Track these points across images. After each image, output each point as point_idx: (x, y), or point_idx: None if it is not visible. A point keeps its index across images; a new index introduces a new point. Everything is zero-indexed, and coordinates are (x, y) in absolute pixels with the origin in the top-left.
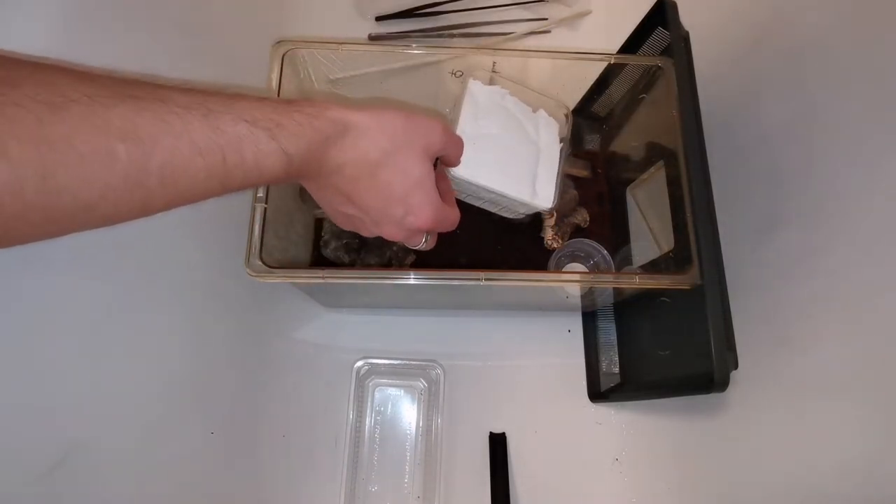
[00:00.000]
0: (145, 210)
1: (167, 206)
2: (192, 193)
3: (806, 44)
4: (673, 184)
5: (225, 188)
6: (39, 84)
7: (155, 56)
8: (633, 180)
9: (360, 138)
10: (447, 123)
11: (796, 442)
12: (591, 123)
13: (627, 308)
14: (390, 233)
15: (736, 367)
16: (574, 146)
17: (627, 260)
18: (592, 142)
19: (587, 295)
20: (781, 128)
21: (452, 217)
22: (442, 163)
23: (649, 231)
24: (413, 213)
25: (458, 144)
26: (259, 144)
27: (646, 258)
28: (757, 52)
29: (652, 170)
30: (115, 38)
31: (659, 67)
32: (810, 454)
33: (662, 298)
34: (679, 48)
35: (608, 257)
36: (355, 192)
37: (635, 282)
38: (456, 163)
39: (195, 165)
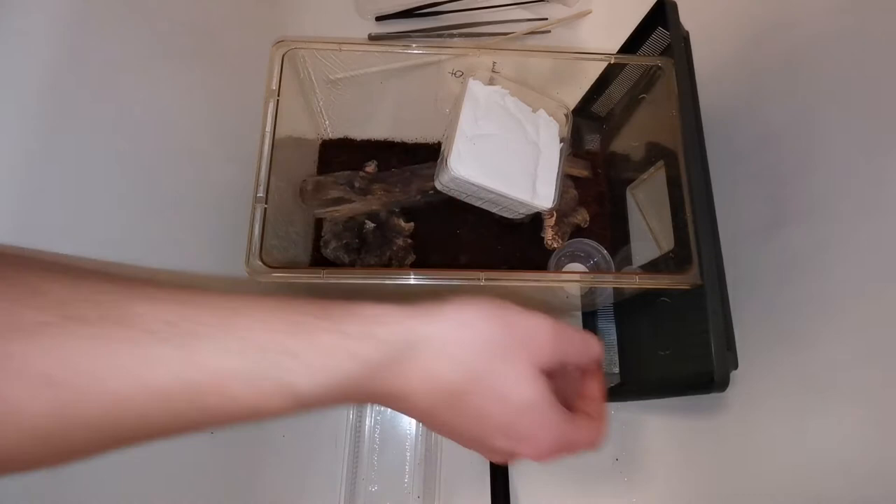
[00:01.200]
0: (68, 461)
1: (108, 449)
2: (149, 438)
3: (806, 44)
4: (673, 184)
5: (200, 430)
6: None
7: (154, 56)
8: (634, 180)
9: (430, 359)
10: (556, 321)
11: (796, 442)
12: (591, 123)
13: (627, 308)
14: (495, 459)
15: (736, 367)
16: (574, 146)
17: (627, 260)
18: (592, 142)
19: (587, 295)
20: (781, 128)
21: (587, 439)
22: (565, 367)
23: (649, 231)
24: (523, 446)
25: (579, 342)
26: (253, 384)
27: (646, 258)
28: (757, 52)
29: (652, 170)
30: (115, 38)
31: (659, 67)
32: (810, 454)
33: (662, 298)
34: (679, 48)
35: (608, 257)
36: (433, 423)
37: (635, 282)
38: (585, 362)
39: (152, 411)
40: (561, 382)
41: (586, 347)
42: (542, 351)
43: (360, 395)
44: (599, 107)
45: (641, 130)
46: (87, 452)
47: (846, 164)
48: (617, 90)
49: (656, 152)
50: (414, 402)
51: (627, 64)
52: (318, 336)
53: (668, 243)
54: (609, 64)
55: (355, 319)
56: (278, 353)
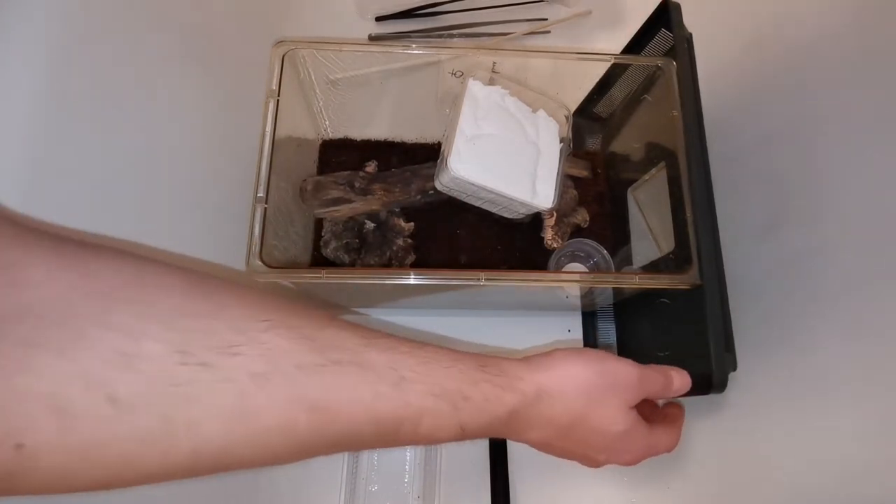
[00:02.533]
0: (305, 458)
1: (326, 453)
2: (352, 449)
3: (807, 45)
4: (674, 184)
5: (386, 446)
6: (259, 349)
7: (154, 56)
8: (634, 181)
9: (550, 406)
10: (641, 367)
11: (796, 442)
12: (591, 124)
13: (627, 309)
14: (593, 466)
15: (735, 368)
16: (574, 146)
17: (627, 260)
18: (593, 142)
19: (587, 295)
20: (782, 128)
21: (666, 443)
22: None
23: (649, 231)
24: (618, 458)
25: (661, 383)
26: (439, 419)
27: (646, 259)
28: (758, 52)
29: (653, 171)
30: (114, 39)
31: (660, 68)
32: (810, 454)
33: (662, 299)
34: (682, 49)
35: (608, 257)
36: (547, 449)
37: (635, 282)
38: (663, 396)
39: (366, 431)
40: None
41: (667, 386)
42: (630, 392)
43: (500, 431)
44: (600, 107)
45: (642, 131)
46: (316, 455)
47: (847, 164)
48: (618, 91)
49: (657, 153)
50: (536, 435)
51: (630, 65)
52: (482, 386)
53: (668, 244)
54: (611, 64)
55: (505, 375)
56: (457, 398)
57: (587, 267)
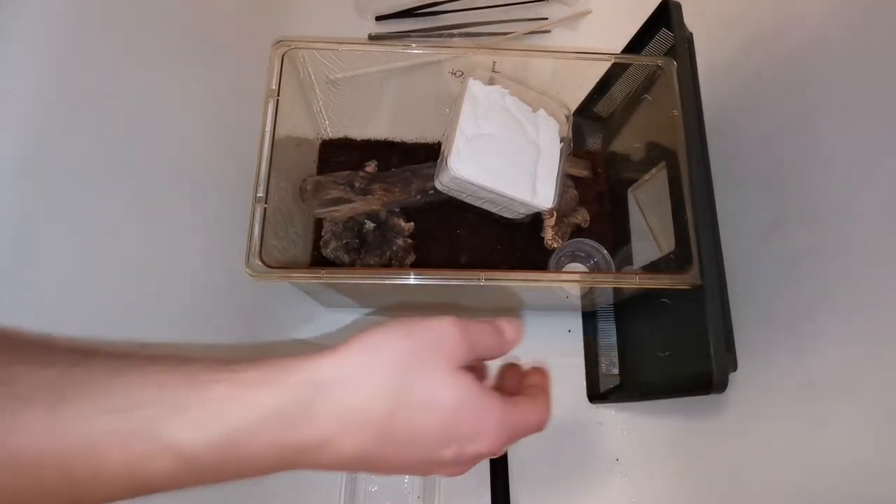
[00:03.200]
0: None
1: None
2: None
3: (807, 44)
4: (674, 184)
5: (72, 502)
6: None
7: (154, 56)
8: (634, 180)
9: (344, 397)
10: (460, 319)
11: (796, 442)
12: (592, 123)
13: (627, 309)
14: (454, 473)
15: (735, 368)
16: (575, 146)
17: (627, 260)
18: (593, 142)
19: (587, 295)
20: (783, 128)
21: (533, 417)
22: (480, 360)
23: (650, 231)
24: (473, 444)
25: (489, 333)
26: (130, 445)
27: (646, 259)
28: (759, 51)
29: (654, 171)
30: (114, 39)
31: (661, 68)
32: (810, 454)
33: (662, 300)
34: (683, 49)
35: (608, 257)
36: (371, 466)
37: (635, 282)
38: (498, 353)
39: (23, 486)
40: (504, 381)
41: (499, 336)
42: (452, 348)
43: (263, 451)
44: (600, 107)
45: (643, 131)
46: None
47: (847, 164)
48: (619, 91)
49: (658, 153)
50: (338, 448)
51: (630, 64)
52: (213, 387)
53: (668, 244)
54: (611, 64)
55: (256, 369)
56: (161, 409)
57: (587, 267)
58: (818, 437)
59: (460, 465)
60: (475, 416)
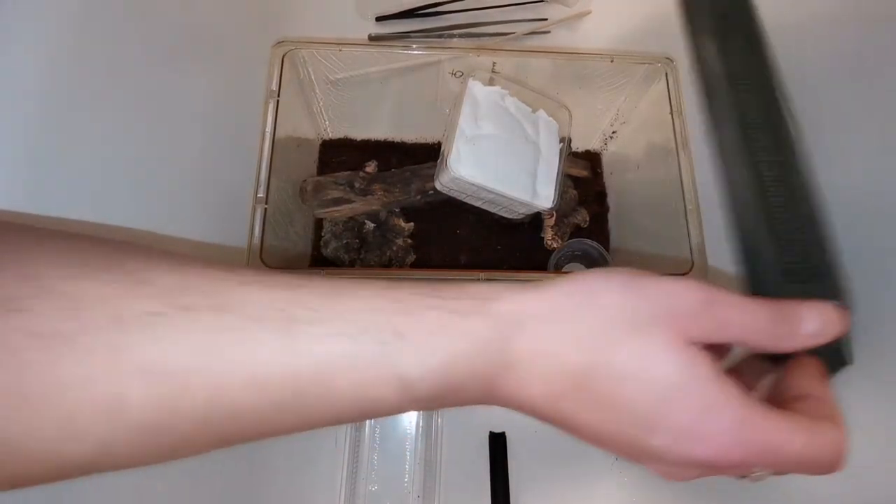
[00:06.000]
0: (173, 456)
1: (211, 448)
2: (250, 435)
3: (808, 42)
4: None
5: (310, 428)
6: (57, 302)
7: (154, 57)
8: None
9: (543, 336)
10: (710, 286)
11: None
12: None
13: None
14: (666, 475)
15: None
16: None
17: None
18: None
19: None
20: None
21: (797, 443)
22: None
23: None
24: (687, 440)
25: (753, 312)
26: (359, 368)
27: None
28: None
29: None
30: (115, 39)
31: (660, 67)
32: None
33: None
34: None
35: (608, 257)
36: (565, 421)
37: None
38: (776, 345)
39: (252, 402)
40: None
41: (774, 321)
42: (691, 320)
43: (474, 381)
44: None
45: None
46: (195, 448)
47: (848, 164)
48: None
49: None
50: (536, 391)
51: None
52: (426, 314)
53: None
54: (610, 62)
55: (465, 296)
56: (384, 334)
57: (587, 267)
58: None
59: (673, 466)
60: (700, 409)
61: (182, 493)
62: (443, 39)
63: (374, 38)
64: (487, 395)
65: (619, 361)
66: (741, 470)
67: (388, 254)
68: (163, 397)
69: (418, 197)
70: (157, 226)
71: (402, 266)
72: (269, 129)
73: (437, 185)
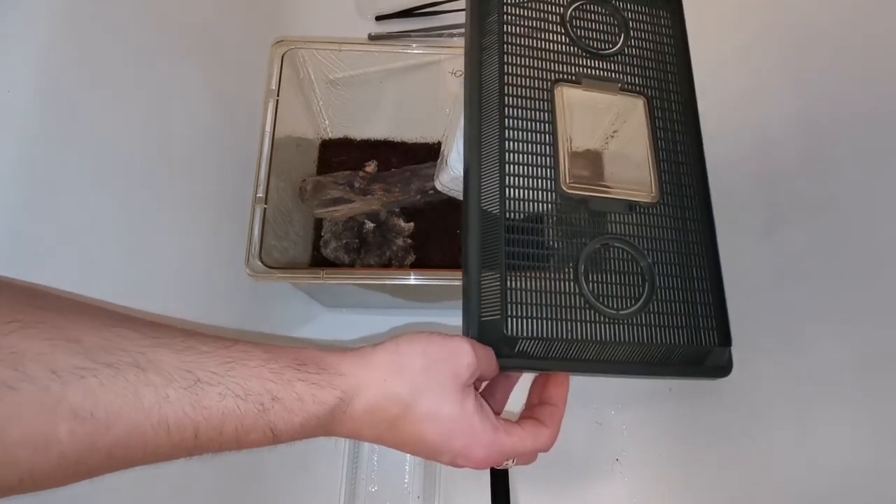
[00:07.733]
0: (81, 480)
1: (113, 470)
2: (147, 462)
3: (808, 42)
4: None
5: (191, 455)
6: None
7: (154, 56)
8: None
9: (370, 398)
10: (472, 341)
11: (795, 443)
12: None
13: None
14: (453, 466)
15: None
16: None
17: None
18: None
19: None
20: (782, 128)
21: (528, 445)
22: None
23: None
24: (462, 456)
25: (490, 357)
26: (244, 421)
27: None
28: (759, 51)
29: None
30: (114, 39)
31: None
32: (810, 455)
33: None
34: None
35: None
36: (386, 442)
37: None
38: (491, 374)
39: (158, 441)
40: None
41: (492, 359)
42: (464, 369)
43: (321, 432)
44: None
45: None
46: (101, 473)
47: (847, 164)
48: None
49: None
50: (366, 432)
51: None
52: (295, 384)
53: None
54: None
55: (324, 372)
56: (265, 398)
57: None
58: (818, 437)
59: (459, 466)
60: (467, 437)
61: (182, 494)
62: (442, 39)
63: (373, 38)
64: (332, 435)
65: (419, 407)
66: (497, 465)
67: (387, 254)
68: (87, 435)
69: (418, 197)
70: (155, 227)
71: (401, 266)
72: (268, 128)
73: (437, 185)
